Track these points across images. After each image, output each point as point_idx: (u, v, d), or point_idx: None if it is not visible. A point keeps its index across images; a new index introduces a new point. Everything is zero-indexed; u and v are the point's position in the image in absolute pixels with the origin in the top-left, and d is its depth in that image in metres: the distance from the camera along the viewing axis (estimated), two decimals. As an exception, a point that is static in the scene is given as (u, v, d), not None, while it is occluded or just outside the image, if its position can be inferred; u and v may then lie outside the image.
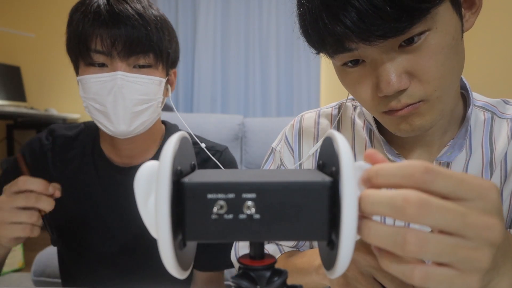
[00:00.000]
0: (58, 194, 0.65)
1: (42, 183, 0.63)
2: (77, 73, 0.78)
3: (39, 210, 0.64)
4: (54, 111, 3.08)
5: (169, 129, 0.91)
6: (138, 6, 0.74)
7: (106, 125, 0.76)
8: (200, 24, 3.01)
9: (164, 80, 0.79)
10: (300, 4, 0.51)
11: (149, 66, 0.76)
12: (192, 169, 0.33)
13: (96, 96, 0.74)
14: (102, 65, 0.74)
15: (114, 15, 0.71)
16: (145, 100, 0.75)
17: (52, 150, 0.85)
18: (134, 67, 0.74)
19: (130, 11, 0.73)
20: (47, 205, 0.63)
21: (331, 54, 0.51)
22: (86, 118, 3.47)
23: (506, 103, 0.64)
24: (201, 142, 0.89)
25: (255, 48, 3.03)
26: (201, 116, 2.13)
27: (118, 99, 0.73)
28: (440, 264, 0.27)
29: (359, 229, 0.27)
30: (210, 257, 0.83)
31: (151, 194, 0.29)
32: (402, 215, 0.26)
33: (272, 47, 3.01)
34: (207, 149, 0.89)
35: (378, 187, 0.28)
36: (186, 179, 0.27)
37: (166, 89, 0.82)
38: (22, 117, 3.00)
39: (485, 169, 0.60)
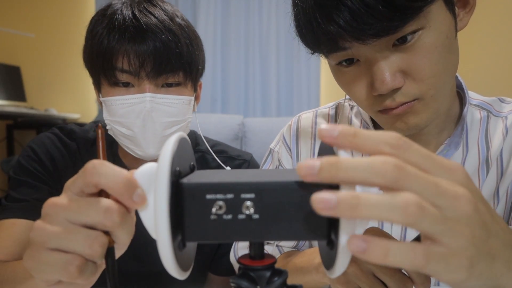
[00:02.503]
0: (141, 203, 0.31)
1: (128, 179, 0.30)
2: (98, 90, 0.73)
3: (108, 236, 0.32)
4: (54, 111, 3.08)
5: (191, 138, 0.84)
6: (165, 17, 0.68)
7: (134, 150, 0.71)
8: (200, 24, 3.00)
9: (193, 98, 0.75)
10: (294, 5, 0.52)
11: (178, 85, 0.71)
12: (191, 169, 0.33)
13: (122, 120, 0.68)
14: (127, 84, 0.68)
15: (141, 31, 0.65)
16: (175, 122, 0.71)
17: (78, 152, 0.79)
18: (162, 86, 0.69)
19: (159, 25, 0.66)
20: (127, 228, 0.32)
21: (326, 53, 0.51)
22: (86, 118, 3.43)
23: (502, 102, 0.65)
24: (227, 150, 0.87)
25: (255, 48, 3.03)
26: (201, 116, 2.13)
27: (147, 123, 0.68)
28: (433, 242, 0.26)
29: (353, 204, 0.24)
30: (229, 262, 0.79)
31: (150, 195, 0.29)
32: (382, 178, 0.25)
33: (272, 47, 3.00)
34: (234, 158, 0.86)
35: (354, 147, 0.26)
36: (185, 180, 0.27)
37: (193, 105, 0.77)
38: (22, 117, 3.00)
39: (481, 166, 0.60)
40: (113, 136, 0.74)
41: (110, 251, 0.32)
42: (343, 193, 0.24)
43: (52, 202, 0.32)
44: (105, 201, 0.31)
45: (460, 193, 0.26)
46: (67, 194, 0.32)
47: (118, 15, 0.67)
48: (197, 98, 0.80)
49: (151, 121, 0.68)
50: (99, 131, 0.35)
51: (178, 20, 0.70)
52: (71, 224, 0.31)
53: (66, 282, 0.33)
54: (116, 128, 0.70)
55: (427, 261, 0.25)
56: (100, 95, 0.72)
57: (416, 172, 0.25)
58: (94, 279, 0.34)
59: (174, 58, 0.67)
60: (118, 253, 0.36)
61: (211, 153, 0.84)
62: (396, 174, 0.25)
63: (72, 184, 0.31)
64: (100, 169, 0.30)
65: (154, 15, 0.68)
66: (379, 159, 0.25)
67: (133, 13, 0.67)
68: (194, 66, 0.72)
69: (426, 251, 0.25)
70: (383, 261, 0.24)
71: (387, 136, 0.26)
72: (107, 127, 0.73)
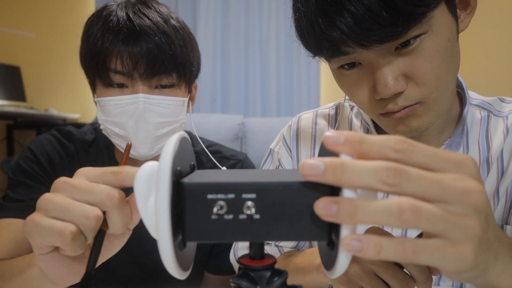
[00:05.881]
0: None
1: None
2: (93, 91, 0.74)
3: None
4: (54, 111, 3.08)
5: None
6: (159, 19, 0.69)
7: None
8: (200, 24, 3.00)
9: (187, 99, 0.75)
10: (295, 9, 0.52)
11: (171, 86, 0.71)
12: (192, 169, 0.33)
13: (116, 120, 0.69)
14: (121, 85, 0.69)
15: (135, 32, 0.66)
16: (168, 122, 0.71)
17: (76, 153, 0.80)
18: (156, 87, 0.70)
19: (153, 27, 0.67)
20: (123, 215, 0.35)
21: (328, 58, 0.51)
22: (86, 118, 3.42)
23: (502, 101, 0.65)
24: (221, 150, 0.87)
25: (255, 48, 3.03)
26: (201, 116, 2.13)
27: (140, 123, 0.68)
28: (430, 236, 0.27)
29: (352, 212, 0.25)
30: (224, 261, 0.81)
31: (151, 195, 0.29)
32: (384, 184, 0.25)
33: (272, 47, 3.00)
34: (228, 158, 0.87)
35: (361, 153, 0.27)
36: (186, 180, 0.27)
37: (187, 106, 0.77)
38: (22, 117, 3.00)
39: (481, 166, 0.60)
40: (107, 136, 0.74)
41: (101, 233, 0.35)
42: (343, 201, 0.25)
43: (64, 179, 0.36)
44: (108, 187, 0.35)
45: (469, 187, 0.27)
46: (78, 177, 0.36)
47: (113, 17, 0.68)
48: (192, 99, 0.80)
49: (144, 121, 0.69)
50: (128, 145, 0.44)
51: (172, 22, 0.71)
52: (75, 200, 0.35)
53: (57, 253, 0.36)
54: (109, 128, 0.71)
55: (417, 254, 0.26)
56: (95, 95, 0.73)
57: (418, 175, 0.26)
58: (79, 253, 0.36)
59: (167, 60, 0.68)
60: (114, 249, 0.39)
61: (205, 154, 0.84)
62: (397, 180, 0.25)
63: (92, 171, 0.36)
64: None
65: (148, 17, 0.68)
66: (382, 165, 0.26)
67: (127, 14, 0.68)
68: (188, 68, 0.73)
69: (415, 245, 0.26)
70: (378, 257, 0.25)
71: (392, 140, 0.27)
72: (101, 127, 0.74)
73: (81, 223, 0.34)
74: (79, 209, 0.34)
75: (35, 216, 0.35)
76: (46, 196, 0.36)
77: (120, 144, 0.72)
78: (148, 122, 0.69)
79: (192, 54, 0.74)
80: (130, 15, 0.68)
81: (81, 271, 0.39)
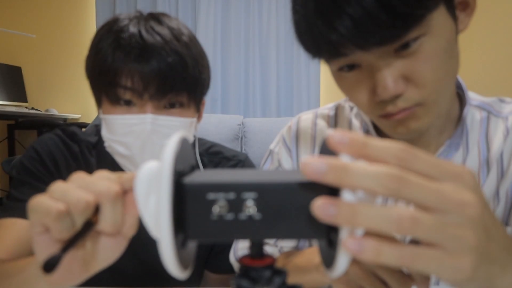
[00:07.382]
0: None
1: None
2: (98, 105, 0.72)
3: (95, 215, 0.35)
4: (55, 111, 3.08)
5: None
6: (171, 36, 0.66)
7: (131, 169, 0.71)
8: (200, 24, 3.01)
9: (195, 119, 0.73)
10: (294, 11, 0.51)
11: (181, 105, 0.69)
12: (192, 169, 0.34)
13: (122, 139, 0.67)
14: (129, 102, 0.67)
15: (147, 52, 0.64)
16: None
17: (80, 154, 0.79)
18: (164, 107, 0.68)
19: (165, 46, 0.65)
20: (115, 211, 0.35)
21: (327, 59, 0.51)
22: (87, 118, 3.43)
23: (502, 102, 0.65)
24: (222, 151, 0.87)
25: (255, 48, 3.03)
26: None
27: (146, 145, 0.66)
28: (428, 245, 0.27)
29: (351, 215, 0.25)
30: (224, 260, 0.80)
31: (152, 195, 0.30)
32: (385, 189, 0.25)
33: (272, 47, 3.01)
34: (229, 159, 0.86)
35: (363, 156, 0.27)
36: (187, 179, 0.28)
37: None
38: (23, 117, 3.00)
39: (481, 167, 0.60)
40: (111, 154, 0.74)
41: (89, 223, 0.35)
42: (342, 204, 0.25)
43: (80, 173, 0.37)
44: (111, 182, 0.35)
45: (465, 199, 0.27)
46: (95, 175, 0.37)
47: (124, 33, 0.66)
48: (199, 117, 0.78)
49: (151, 143, 0.67)
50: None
51: (184, 38, 0.69)
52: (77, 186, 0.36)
53: (49, 237, 0.36)
54: (114, 147, 0.70)
55: (415, 262, 0.26)
56: (100, 111, 0.72)
57: (418, 183, 0.26)
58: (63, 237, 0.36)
59: (178, 80, 0.66)
60: (108, 254, 0.38)
61: (206, 155, 0.84)
62: (398, 186, 0.25)
63: (106, 172, 0.37)
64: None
65: (160, 35, 0.66)
66: (384, 170, 0.26)
67: (139, 32, 0.66)
68: (199, 89, 0.71)
69: (414, 253, 0.26)
70: (376, 261, 0.25)
71: (395, 147, 0.27)
72: (105, 144, 0.72)
73: (71, 204, 0.35)
74: (74, 192, 0.35)
75: (38, 196, 0.37)
76: (57, 182, 0.37)
77: (125, 164, 0.71)
78: (155, 143, 0.67)
79: (204, 74, 0.72)
80: (143, 33, 0.65)
81: (77, 274, 0.38)
